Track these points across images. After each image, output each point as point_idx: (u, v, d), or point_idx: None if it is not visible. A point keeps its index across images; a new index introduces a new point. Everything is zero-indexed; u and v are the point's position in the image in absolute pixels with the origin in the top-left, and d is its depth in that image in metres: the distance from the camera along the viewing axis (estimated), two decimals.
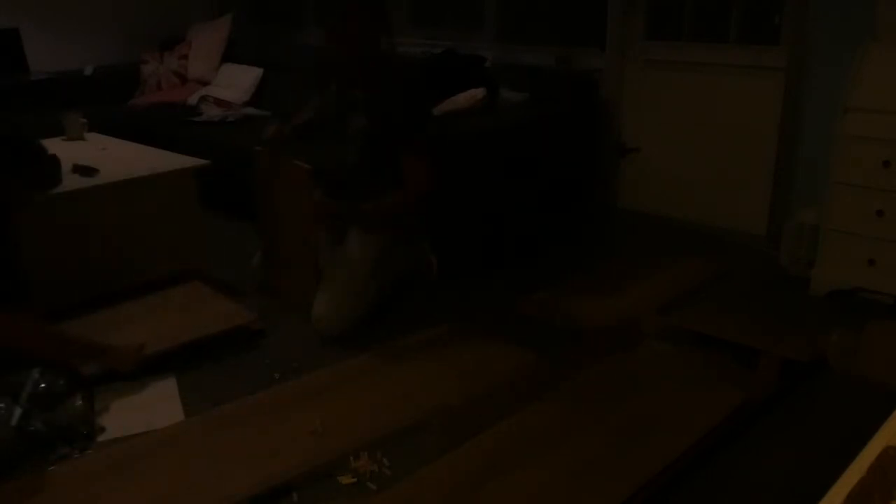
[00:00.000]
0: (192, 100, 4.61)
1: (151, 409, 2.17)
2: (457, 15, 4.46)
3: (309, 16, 5.12)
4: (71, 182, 2.64)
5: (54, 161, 2.61)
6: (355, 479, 1.87)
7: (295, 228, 2.70)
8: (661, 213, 3.80)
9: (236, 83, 4.64)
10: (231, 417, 2.13)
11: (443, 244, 3.03)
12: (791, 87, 3.25)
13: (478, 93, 3.22)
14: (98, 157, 2.97)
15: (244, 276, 2.97)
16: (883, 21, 2.84)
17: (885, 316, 2.71)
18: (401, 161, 2.61)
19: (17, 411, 2.01)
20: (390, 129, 2.60)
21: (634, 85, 3.79)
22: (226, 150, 3.37)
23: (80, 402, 2.13)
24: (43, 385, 2.16)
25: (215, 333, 2.50)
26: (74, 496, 1.81)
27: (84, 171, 2.72)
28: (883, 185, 2.66)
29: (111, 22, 4.95)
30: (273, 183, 2.76)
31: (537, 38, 4.07)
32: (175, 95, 4.72)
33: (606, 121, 3.81)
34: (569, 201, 3.67)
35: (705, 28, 3.63)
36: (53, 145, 3.09)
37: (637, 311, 2.74)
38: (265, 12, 5.38)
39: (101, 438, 2.04)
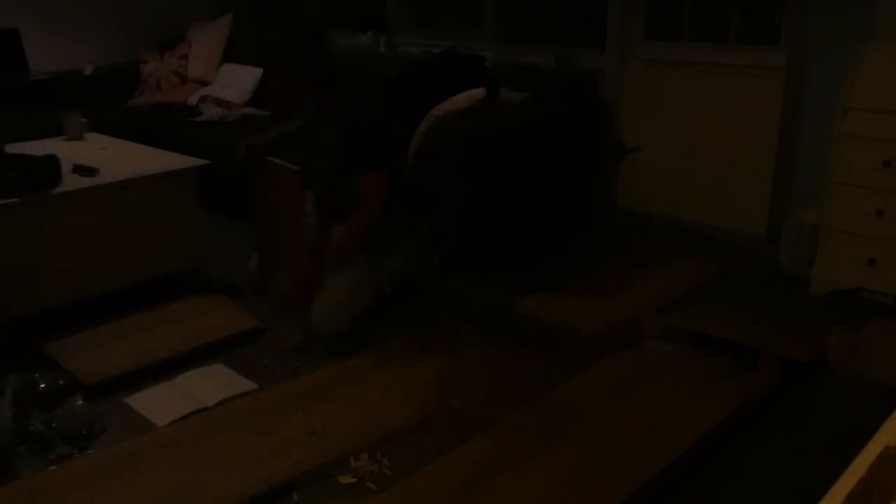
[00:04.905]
0: (192, 100, 4.61)
1: (154, 408, 2.17)
2: (457, 15, 4.46)
3: (310, 16, 5.12)
4: (71, 182, 2.64)
5: (54, 161, 2.62)
6: (355, 479, 1.87)
7: (289, 230, 2.70)
8: (661, 213, 3.80)
9: (236, 83, 4.64)
10: (231, 417, 2.13)
11: (443, 244, 3.03)
12: (791, 87, 3.25)
13: (478, 93, 3.21)
14: (98, 157, 2.97)
15: (243, 276, 2.97)
16: (883, 21, 2.84)
17: (885, 316, 2.71)
18: (360, 177, 2.62)
19: (9, 407, 2.02)
20: (353, 140, 2.63)
21: (634, 85, 3.79)
22: (226, 150, 3.36)
23: (80, 402, 2.14)
24: (43, 385, 2.17)
25: (218, 340, 2.52)
26: (74, 496, 1.81)
27: (84, 171, 2.72)
28: (883, 185, 2.66)
29: (111, 22, 4.94)
30: (264, 185, 2.77)
31: (537, 38, 4.07)
32: (175, 95, 4.72)
33: (606, 121, 3.81)
34: (569, 201, 3.67)
35: (705, 28, 3.62)
36: (53, 145, 3.10)
37: (637, 311, 2.74)
38: (265, 12, 5.38)
39: (100, 438, 2.04)
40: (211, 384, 2.28)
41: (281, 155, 2.71)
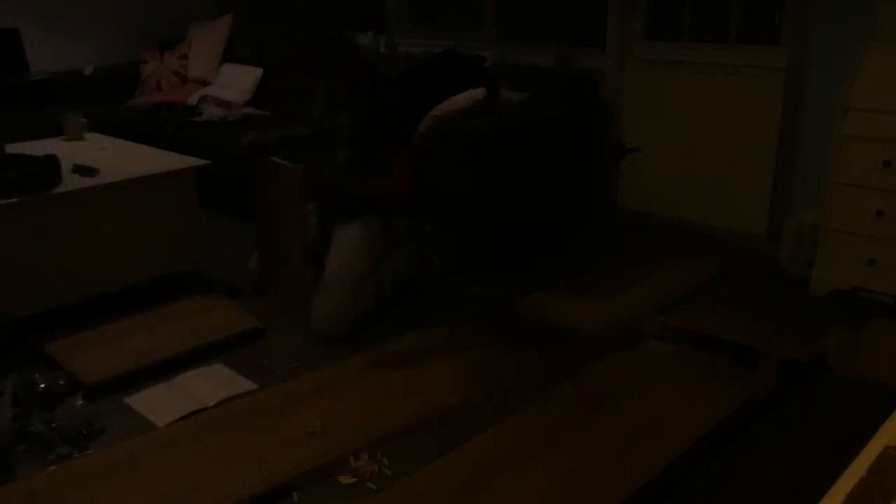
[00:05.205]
0: (192, 100, 4.61)
1: (154, 408, 2.17)
2: (457, 15, 4.46)
3: (313, 15, 5.12)
4: (71, 182, 2.64)
5: (54, 161, 2.62)
6: (355, 479, 1.87)
7: (290, 229, 2.70)
8: (661, 213, 3.80)
9: (236, 83, 4.64)
10: (231, 417, 2.13)
11: (443, 244, 3.03)
12: (791, 87, 3.25)
13: (478, 93, 3.21)
14: (98, 157, 2.97)
15: (243, 276, 2.97)
16: (883, 21, 2.84)
17: (885, 316, 2.71)
18: (387, 160, 2.67)
19: (9, 407, 2.02)
20: (375, 129, 2.64)
21: (634, 85, 3.79)
22: (226, 150, 3.36)
23: (80, 402, 2.13)
24: (43, 385, 2.17)
25: (218, 340, 2.52)
26: (74, 496, 1.81)
27: (84, 171, 2.72)
28: (883, 185, 2.66)
29: (111, 22, 4.94)
30: (265, 184, 2.77)
31: (537, 38, 4.08)
32: (175, 95, 4.72)
33: (606, 121, 3.81)
34: (569, 201, 3.67)
35: (705, 28, 3.63)
36: (53, 145, 3.10)
37: (637, 311, 2.73)
38: (265, 12, 5.38)
39: (100, 438, 2.04)
40: (211, 384, 2.29)
41: (284, 156, 2.71)
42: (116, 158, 3.00)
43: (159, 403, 2.19)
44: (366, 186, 2.70)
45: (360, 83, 2.72)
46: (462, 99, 3.20)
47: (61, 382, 2.21)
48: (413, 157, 2.72)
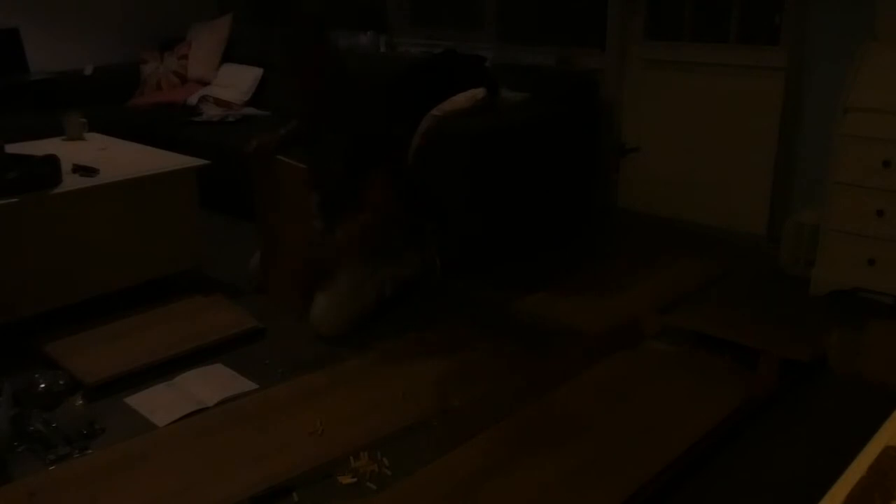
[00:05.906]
0: (192, 100, 4.61)
1: (154, 408, 2.17)
2: (457, 15, 4.46)
3: (311, 15, 5.11)
4: (71, 182, 2.64)
5: (54, 161, 2.62)
6: (355, 479, 1.87)
7: (291, 228, 2.70)
8: (660, 214, 3.80)
9: (236, 83, 4.64)
10: (231, 417, 2.13)
11: (442, 244, 3.03)
12: (791, 87, 3.25)
13: (478, 93, 3.22)
14: (98, 157, 2.97)
15: (244, 276, 2.97)
16: (883, 21, 2.84)
17: (885, 316, 2.71)
18: (367, 180, 2.66)
19: (9, 407, 2.02)
20: (357, 146, 2.66)
21: (634, 85, 3.79)
22: (226, 150, 3.37)
23: (80, 402, 2.14)
24: (43, 385, 2.17)
25: (218, 340, 2.52)
26: (74, 496, 1.81)
27: (84, 171, 2.72)
28: (883, 185, 2.66)
29: (111, 22, 4.94)
30: (269, 183, 2.77)
31: (537, 38, 4.07)
32: (175, 95, 4.72)
33: (606, 121, 3.81)
34: (569, 201, 3.67)
35: (705, 28, 3.63)
36: (53, 145, 3.10)
37: (637, 311, 2.74)
38: (265, 12, 5.38)
39: (101, 438, 2.04)
40: (211, 384, 2.29)
41: (287, 154, 2.71)
42: (116, 158, 3.00)
43: (159, 403, 2.19)
44: (350, 231, 2.67)
45: (332, 97, 2.71)
46: (462, 99, 3.19)
47: (61, 382, 2.21)
48: (388, 185, 2.70)
